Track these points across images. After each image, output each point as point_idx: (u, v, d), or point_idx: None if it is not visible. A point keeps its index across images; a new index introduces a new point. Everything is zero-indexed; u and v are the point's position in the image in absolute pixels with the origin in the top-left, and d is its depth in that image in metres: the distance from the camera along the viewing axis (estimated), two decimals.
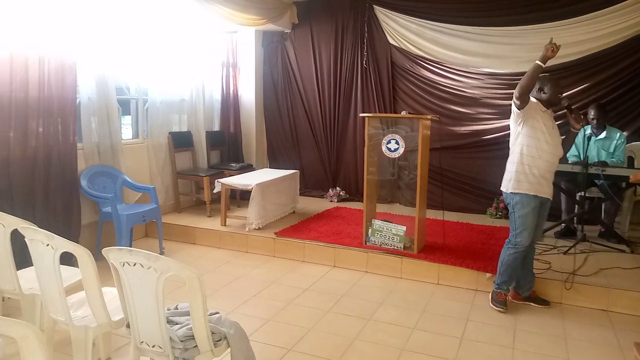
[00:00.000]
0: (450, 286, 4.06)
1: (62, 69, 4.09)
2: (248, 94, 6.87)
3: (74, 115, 4.24)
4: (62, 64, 4.08)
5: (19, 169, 3.82)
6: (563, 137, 3.57)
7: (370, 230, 4.41)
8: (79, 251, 2.18)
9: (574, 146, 4.74)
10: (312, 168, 6.92)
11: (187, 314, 2.23)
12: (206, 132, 6.23)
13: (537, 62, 3.20)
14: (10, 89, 3.72)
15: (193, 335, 2.07)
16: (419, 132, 4.13)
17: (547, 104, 3.42)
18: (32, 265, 2.68)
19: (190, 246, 5.07)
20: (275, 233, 4.88)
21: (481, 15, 5.68)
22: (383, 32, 6.24)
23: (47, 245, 2.22)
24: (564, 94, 3.44)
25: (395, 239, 4.29)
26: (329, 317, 3.45)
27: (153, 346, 2.09)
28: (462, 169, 5.98)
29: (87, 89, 4.48)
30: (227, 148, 6.66)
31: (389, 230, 4.33)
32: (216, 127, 6.58)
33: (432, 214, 5.07)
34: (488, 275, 3.93)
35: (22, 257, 2.75)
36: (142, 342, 2.12)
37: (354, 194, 6.63)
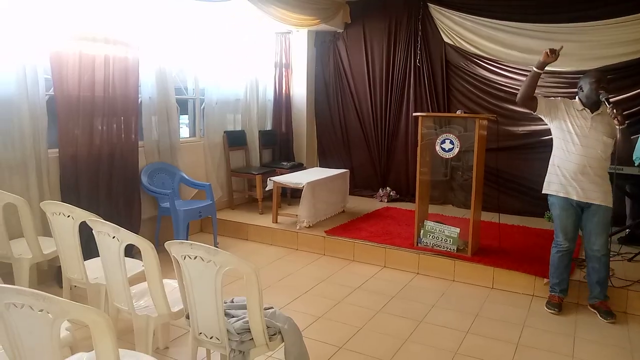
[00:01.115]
0: (505, 291, 3.94)
1: (126, 70, 4.29)
2: (300, 94, 6.94)
3: (136, 114, 4.43)
4: (126, 65, 4.28)
5: (85, 165, 4.03)
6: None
7: (422, 231, 4.35)
8: (143, 244, 2.28)
9: (637, 147, 4.49)
10: (362, 167, 6.90)
11: (243, 307, 2.28)
12: (259, 131, 6.35)
13: (534, 68, 3.19)
14: (78, 89, 3.94)
15: (249, 329, 2.11)
16: (475, 132, 4.04)
17: (586, 100, 3.28)
18: (95, 256, 2.85)
19: (243, 242, 5.18)
20: (325, 231, 4.90)
21: (541, 11, 5.47)
22: (437, 30, 6.13)
23: (114, 237, 2.33)
24: (602, 89, 3.18)
25: (448, 240, 4.21)
26: (380, 317, 3.44)
27: (211, 337, 2.16)
28: (520, 170, 5.78)
29: (148, 88, 4.67)
30: (279, 147, 6.76)
31: (441, 232, 4.25)
32: (268, 127, 6.69)
33: (487, 217, 4.94)
34: (545, 280, 3.78)
35: (87, 248, 2.91)
36: (201, 333, 2.19)
37: (405, 194, 6.55)
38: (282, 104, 6.77)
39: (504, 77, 5.81)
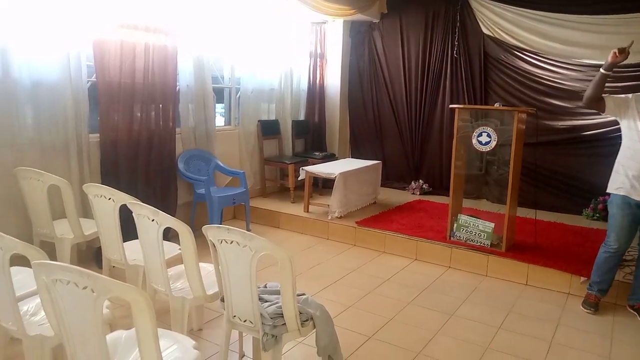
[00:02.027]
0: (539, 288, 3.86)
1: (165, 58, 4.37)
2: (334, 84, 6.92)
3: (174, 101, 4.52)
4: (165, 53, 4.36)
5: (124, 150, 4.15)
6: None
7: (455, 225, 4.30)
8: (181, 227, 2.34)
9: None
10: (394, 159, 6.85)
11: (276, 292, 2.31)
12: (292, 120, 6.38)
13: (601, 70, 3.04)
14: (119, 76, 4.04)
15: (282, 314, 2.14)
16: (514, 125, 3.94)
17: None
18: (132, 238, 2.93)
19: (275, 230, 5.23)
20: (356, 222, 4.90)
21: (586, 2, 5.28)
22: (476, 21, 6.00)
23: (153, 220, 2.40)
24: None
25: (482, 235, 4.15)
26: (411, 309, 3.43)
27: (245, 321, 2.20)
28: (558, 166, 5.63)
29: (186, 77, 4.75)
30: (311, 137, 6.78)
31: (475, 226, 4.19)
32: (302, 117, 6.71)
33: (522, 212, 4.83)
34: (582, 279, 3.69)
35: (125, 230, 2.99)
36: (235, 316, 2.23)
37: (438, 187, 6.47)
38: (316, 94, 6.77)
39: (545, 70, 5.65)
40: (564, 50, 5.48)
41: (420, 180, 6.56)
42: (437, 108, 6.45)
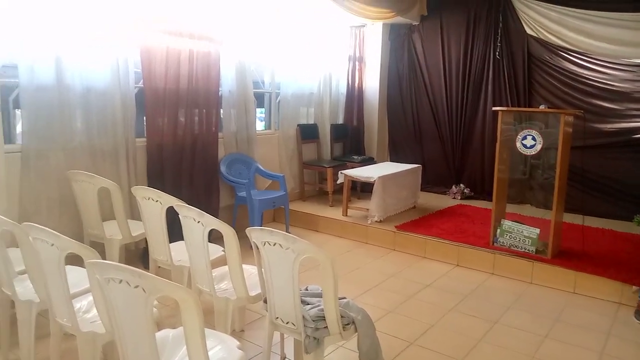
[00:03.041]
0: (588, 296, 3.73)
1: (208, 64, 4.48)
2: (372, 88, 6.91)
3: (216, 106, 4.63)
4: (209, 60, 4.48)
5: (169, 154, 4.27)
6: None
7: (499, 230, 4.20)
8: (225, 229, 2.39)
9: None
10: (434, 163, 6.76)
11: (317, 295, 2.33)
12: (331, 124, 6.40)
13: None
14: (164, 82, 4.17)
15: (324, 317, 2.15)
16: (560, 128, 3.83)
17: None
18: (177, 240, 3.02)
19: (314, 233, 5.26)
20: (395, 226, 4.87)
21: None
22: (520, 21, 5.86)
23: (198, 222, 2.46)
24: None
25: (527, 241, 4.04)
26: (452, 315, 3.37)
27: (287, 322, 2.22)
28: (607, 170, 5.42)
29: (228, 82, 4.85)
30: (350, 141, 6.78)
31: (519, 232, 4.08)
32: (340, 120, 6.72)
33: (569, 218, 4.67)
34: (635, 288, 3.53)
35: (170, 232, 3.06)
36: (277, 317, 2.26)
37: (479, 192, 6.34)
38: (355, 98, 6.77)
39: (592, 71, 5.46)
40: (613, 50, 5.28)
41: (461, 185, 6.45)
42: (479, 111, 6.33)
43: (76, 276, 2.53)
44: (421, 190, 6.01)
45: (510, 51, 5.96)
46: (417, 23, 6.64)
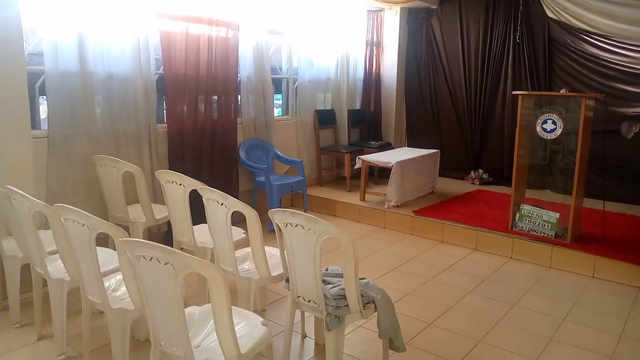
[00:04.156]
0: (607, 280, 3.72)
1: (227, 50, 4.52)
2: (390, 73, 6.88)
3: (235, 92, 4.67)
4: (227, 46, 4.51)
5: (190, 140, 4.34)
6: None
7: (517, 215, 4.19)
8: (248, 211, 2.44)
9: None
10: (453, 148, 6.73)
11: (338, 275, 2.38)
12: (348, 110, 6.40)
13: None
14: (185, 68, 4.22)
15: (344, 295, 2.20)
16: (581, 112, 3.79)
17: None
18: (198, 222, 3.09)
19: (332, 218, 5.31)
20: (413, 211, 4.89)
21: None
22: (540, 4, 5.76)
23: (222, 204, 2.52)
24: None
25: (546, 226, 4.03)
26: (471, 297, 3.40)
27: (309, 301, 2.28)
28: (629, 155, 5.34)
29: (246, 68, 4.88)
30: (367, 126, 6.78)
31: (539, 217, 4.07)
32: (357, 106, 6.72)
33: (589, 203, 4.63)
34: None
35: (191, 214, 3.13)
36: (299, 296, 2.32)
37: (498, 177, 6.31)
38: (372, 83, 6.76)
39: (615, 54, 5.36)
40: (636, 32, 5.17)
41: (480, 170, 6.42)
42: (498, 95, 6.27)
43: (103, 256, 2.62)
44: (439, 176, 6.01)
45: (531, 35, 5.87)
46: (435, 7, 6.57)
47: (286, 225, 2.19)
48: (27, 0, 3.24)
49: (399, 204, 5.05)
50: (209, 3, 4.30)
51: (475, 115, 6.47)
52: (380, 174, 6.08)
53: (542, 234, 4.05)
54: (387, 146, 6.30)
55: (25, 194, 2.38)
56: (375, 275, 3.73)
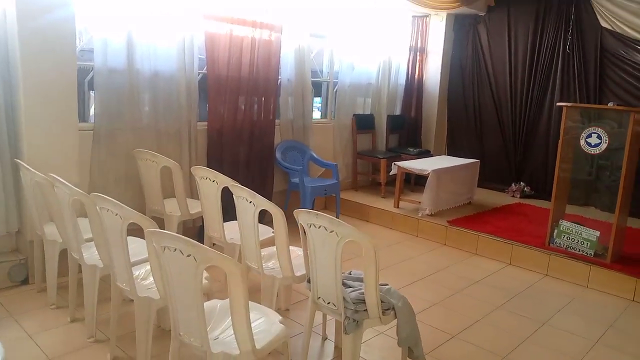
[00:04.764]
0: None
1: (269, 52, 4.59)
2: (433, 79, 6.80)
3: (275, 94, 4.74)
4: (269, 48, 4.59)
5: (228, 139, 4.44)
6: None
7: (556, 231, 4.05)
8: (274, 209, 2.48)
9: None
10: (494, 159, 6.57)
11: (359, 280, 2.37)
12: (387, 115, 6.37)
13: None
14: (227, 69, 4.33)
15: (364, 300, 2.20)
16: (629, 127, 3.63)
17: None
18: (231, 219, 3.15)
19: (364, 223, 5.29)
20: (448, 221, 4.80)
21: None
22: (594, 13, 5.55)
23: (250, 202, 2.58)
24: None
25: (585, 244, 3.87)
26: (499, 312, 3.31)
27: (328, 303, 2.29)
28: None
29: (287, 71, 4.95)
30: (406, 132, 6.72)
31: (578, 234, 3.92)
32: (397, 111, 6.67)
33: (635, 223, 4.42)
34: None
35: (225, 211, 3.20)
36: (319, 297, 2.34)
37: (541, 191, 6.10)
38: (414, 89, 6.70)
39: None
40: None
41: (521, 183, 6.23)
42: (545, 106, 6.08)
43: (137, 247, 2.72)
44: (479, 187, 5.89)
45: (582, 45, 5.66)
46: (483, 14, 6.44)
47: (310, 226, 2.21)
48: (82, 2, 3.41)
49: (433, 213, 4.98)
50: (254, 6, 4.39)
51: (519, 126, 6.29)
52: (416, 182, 6.02)
53: (581, 252, 3.89)
54: (426, 154, 6.22)
55: (66, 182, 2.51)
56: (403, 283, 3.69)
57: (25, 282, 3.31)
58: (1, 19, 3.11)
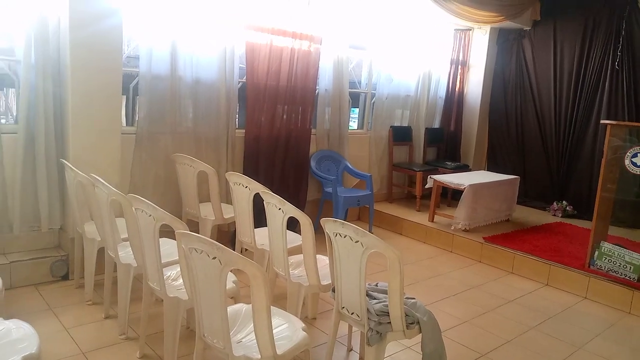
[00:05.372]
0: None
1: (307, 63, 4.66)
2: (474, 93, 6.69)
3: (312, 104, 4.80)
4: (308, 59, 4.65)
5: (265, 146, 4.51)
6: None
7: (597, 252, 3.89)
8: (302, 218, 2.51)
9: None
10: (536, 176, 6.39)
11: (384, 292, 2.35)
12: (426, 128, 6.31)
13: None
14: (266, 78, 4.41)
15: (388, 312, 2.18)
16: None
17: None
18: (263, 226, 3.19)
19: (397, 236, 5.24)
20: (483, 238, 4.69)
21: None
22: None
23: (279, 209, 2.61)
24: None
25: (628, 267, 3.69)
26: (532, 334, 3.20)
27: (352, 313, 2.28)
28: None
29: (325, 81, 4.99)
30: (445, 146, 6.63)
31: (621, 257, 3.75)
32: (436, 124, 6.59)
33: None
34: None
35: (257, 217, 3.25)
36: (344, 307, 2.33)
37: (584, 211, 5.87)
38: (454, 102, 6.61)
39: None
40: None
41: (563, 202, 6.02)
42: (590, 124, 5.87)
43: (169, 247, 2.81)
44: (519, 204, 5.74)
45: (632, 61, 5.45)
46: (528, 28, 6.31)
47: (335, 235, 2.22)
48: (129, 11, 3.58)
49: (468, 228, 4.88)
50: (295, 17, 4.47)
51: (563, 143, 6.10)
52: (453, 196, 5.90)
53: (623, 276, 3.71)
54: (464, 168, 6.12)
55: (105, 183, 2.62)
56: (433, 299, 3.63)
57: (65, 277, 3.45)
58: (55, 26, 3.30)
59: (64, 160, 3.23)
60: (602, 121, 4.13)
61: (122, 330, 2.77)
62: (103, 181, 2.65)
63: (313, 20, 4.62)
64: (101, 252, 3.04)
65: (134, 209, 2.44)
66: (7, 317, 1.97)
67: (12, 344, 1.79)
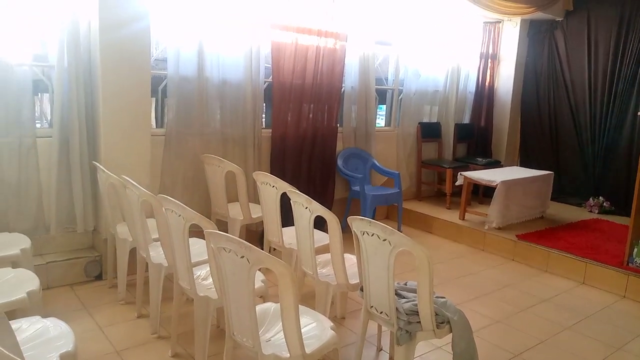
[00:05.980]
0: None
1: (333, 61, 4.64)
2: (505, 87, 6.53)
3: (338, 102, 4.78)
4: (334, 57, 4.63)
5: (291, 145, 4.52)
6: None
7: (635, 249, 3.74)
8: (329, 216, 2.49)
9: None
10: (570, 172, 6.20)
11: (414, 291, 2.32)
12: (455, 124, 6.20)
13: None
14: (291, 77, 4.42)
15: (417, 311, 2.15)
16: None
17: None
18: (290, 225, 3.19)
19: (427, 235, 5.17)
20: (516, 235, 4.58)
21: None
22: None
23: (306, 208, 2.61)
24: None
25: None
26: (568, 334, 3.10)
27: (381, 312, 2.26)
28: None
29: (351, 79, 4.96)
30: (475, 142, 6.50)
31: None
32: (466, 120, 6.47)
33: None
34: None
35: (285, 217, 3.25)
36: (372, 306, 2.31)
37: (622, 207, 5.65)
38: (484, 97, 6.47)
39: None
40: None
41: (600, 198, 5.82)
42: (628, 117, 5.65)
43: (200, 247, 2.84)
44: (554, 200, 5.58)
45: None
46: (560, 19, 6.12)
47: (363, 234, 2.20)
48: (157, 14, 3.63)
49: (501, 227, 4.77)
50: (320, 15, 4.46)
51: (599, 137, 5.90)
52: (485, 194, 5.79)
53: None
54: (496, 164, 5.98)
55: (136, 184, 2.67)
56: (464, 298, 3.56)
57: (99, 277, 3.54)
58: (85, 30, 3.38)
59: (96, 163, 3.31)
60: (639, 113, 3.95)
61: (154, 329, 2.82)
62: (134, 182, 2.70)
63: (338, 18, 4.60)
64: (133, 252, 3.10)
65: (164, 209, 2.47)
66: (44, 316, 2.03)
67: (50, 341, 1.85)
